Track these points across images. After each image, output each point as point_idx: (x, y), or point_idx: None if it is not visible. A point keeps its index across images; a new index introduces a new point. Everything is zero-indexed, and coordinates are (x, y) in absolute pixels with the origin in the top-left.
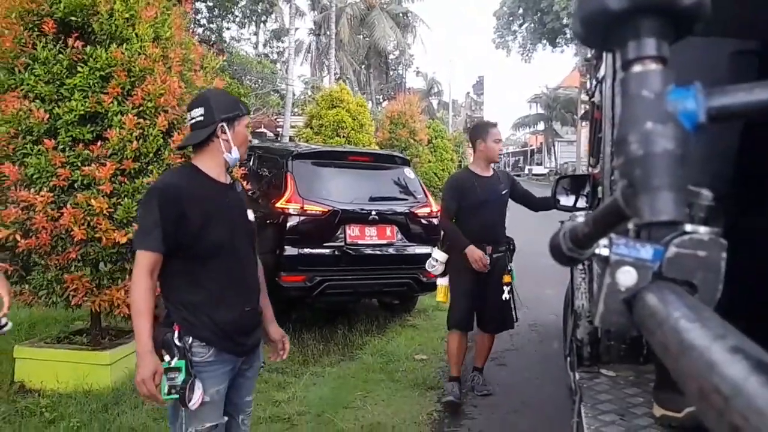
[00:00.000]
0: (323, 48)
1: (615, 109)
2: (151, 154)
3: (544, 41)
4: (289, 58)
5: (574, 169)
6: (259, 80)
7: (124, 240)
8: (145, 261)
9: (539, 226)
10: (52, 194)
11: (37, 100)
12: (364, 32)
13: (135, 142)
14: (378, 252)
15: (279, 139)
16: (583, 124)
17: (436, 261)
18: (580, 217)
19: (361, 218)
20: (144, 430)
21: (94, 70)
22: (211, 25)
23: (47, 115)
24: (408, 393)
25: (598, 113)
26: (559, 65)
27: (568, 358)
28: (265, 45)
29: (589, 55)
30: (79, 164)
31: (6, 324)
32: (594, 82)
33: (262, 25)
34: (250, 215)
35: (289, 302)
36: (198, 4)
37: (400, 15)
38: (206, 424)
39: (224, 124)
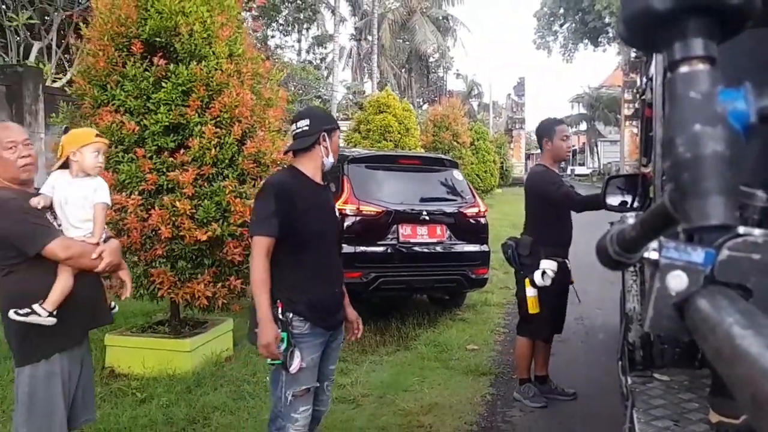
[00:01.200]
0: (364, 53)
1: (666, 107)
2: (226, 160)
3: (586, 41)
4: (333, 65)
5: (618, 169)
6: (303, 87)
7: (204, 238)
8: (262, 244)
9: (581, 222)
10: (141, 197)
11: (128, 114)
12: (404, 37)
13: (213, 150)
14: (429, 250)
15: None
16: (627, 123)
17: (551, 272)
18: (630, 219)
19: (412, 218)
20: (225, 408)
21: (176, 86)
22: (257, 34)
23: (137, 127)
24: (462, 378)
25: (648, 111)
26: (602, 64)
27: (620, 362)
28: (308, 51)
29: (634, 54)
30: (165, 170)
31: (114, 307)
32: (644, 80)
33: (304, 31)
34: (337, 213)
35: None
36: (243, 14)
37: (441, 19)
38: (302, 387)
39: (325, 134)
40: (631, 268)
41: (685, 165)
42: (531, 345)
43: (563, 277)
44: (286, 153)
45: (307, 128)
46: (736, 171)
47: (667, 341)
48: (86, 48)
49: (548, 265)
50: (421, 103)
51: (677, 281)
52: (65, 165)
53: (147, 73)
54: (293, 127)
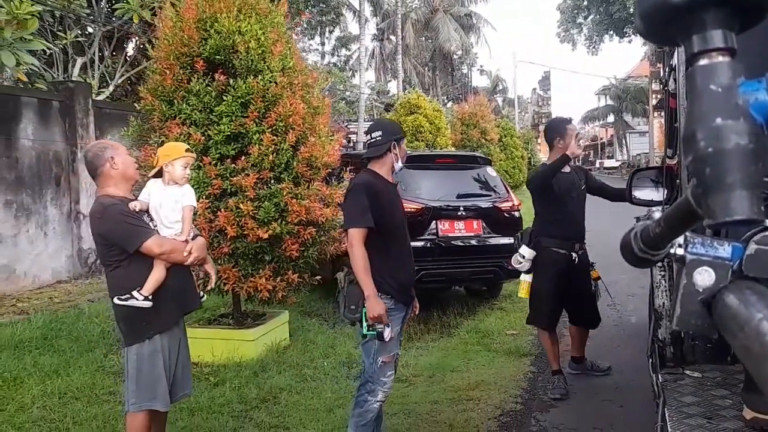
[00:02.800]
0: (388, 53)
1: (686, 100)
2: (282, 165)
3: (611, 32)
4: (360, 67)
5: (647, 161)
6: (328, 90)
7: (265, 236)
8: (359, 235)
9: (611, 211)
10: (208, 201)
11: (193, 126)
12: (427, 35)
13: (271, 156)
14: (467, 243)
15: (352, 145)
16: (656, 114)
17: (523, 258)
18: (657, 213)
19: (450, 214)
20: (290, 389)
21: (236, 98)
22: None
23: (202, 137)
24: (504, 359)
25: (673, 102)
26: (627, 55)
27: (650, 360)
28: (332, 54)
29: None
30: (228, 176)
31: (203, 296)
32: (668, 70)
33: (327, 34)
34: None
35: None
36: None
37: (464, 16)
38: (391, 353)
39: (395, 143)
40: (659, 264)
41: (707, 159)
42: (548, 335)
43: (562, 267)
44: (363, 158)
45: (380, 138)
46: (760, 164)
47: (698, 337)
48: (153, 67)
49: (524, 251)
50: (446, 101)
51: (704, 277)
52: (159, 173)
53: (209, 88)
54: (368, 137)
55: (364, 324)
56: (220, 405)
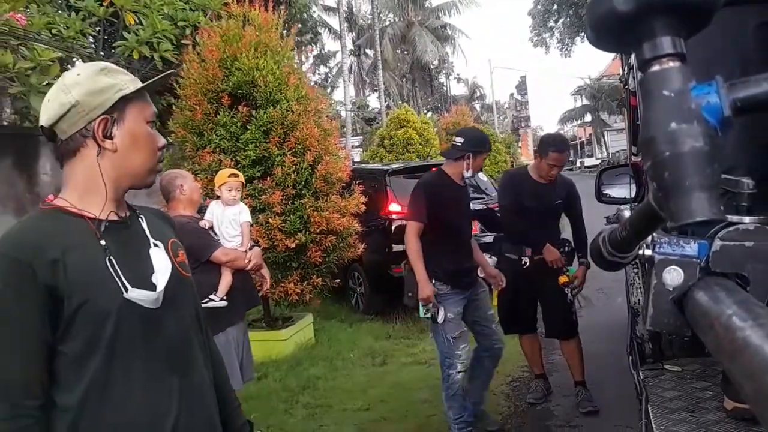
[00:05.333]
0: (366, 68)
1: (641, 106)
2: (303, 182)
3: (582, 34)
4: (344, 84)
5: (626, 158)
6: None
7: (293, 245)
8: (415, 229)
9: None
10: None
11: (223, 153)
12: (404, 47)
13: (292, 175)
14: None
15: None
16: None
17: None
18: (626, 212)
19: None
20: (325, 377)
21: (259, 127)
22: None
23: (231, 162)
24: (509, 338)
25: (634, 100)
26: (600, 55)
27: (630, 357)
28: (313, 72)
29: None
30: (257, 195)
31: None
32: (626, 69)
33: (308, 54)
34: (472, 206)
35: (398, 289)
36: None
37: (439, 28)
38: (458, 330)
39: (471, 154)
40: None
41: (665, 164)
42: (525, 341)
43: (516, 271)
44: (441, 154)
45: (459, 144)
46: (716, 165)
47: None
48: (182, 104)
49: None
50: (425, 112)
51: (674, 276)
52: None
53: (234, 119)
54: (454, 139)
55: (421, 308)
56: (268, 393)
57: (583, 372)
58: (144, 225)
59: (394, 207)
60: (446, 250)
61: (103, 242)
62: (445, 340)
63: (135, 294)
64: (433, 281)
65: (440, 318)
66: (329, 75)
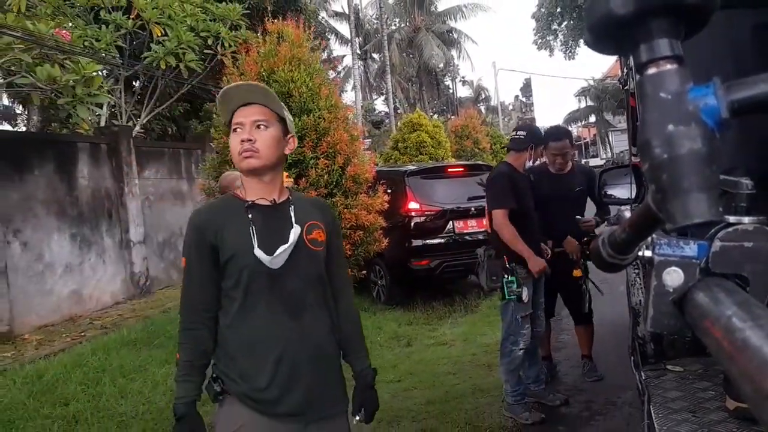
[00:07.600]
0: (374, 72)
1: (639, 109)
2: (334, 182)
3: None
4: (356, 90)
5: (630, 158)
6: None
7: None
8: (504, 213)
9: None
10: None
11: None
12: (410, 51)
13: (325, 176)
14: (479, 238)
15: None
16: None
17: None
18: (626, 212)
19: (463, 214)
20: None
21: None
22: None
23: None
24: None
25: (633, 101)
26: (604, 57)
27: (632, 358)
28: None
29: None
30: None
31: None
32: (626, 70)
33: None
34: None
35: (417, 281)
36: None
37: (445, 33)
38: (525, 312)
39: (534, 145)
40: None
41: (663, 166)
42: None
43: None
44: (503, 147)
45: (522, 137)
46: (714, 166)
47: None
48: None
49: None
50: (432, 114)
51: (673, 277)
52: None
53: None
54: (514, 132)
55: (505, 290)
56: None
57: (591, 348)
58: (291, 210)
59: (412, 205)
60: (525, 233)
61: (250, 216)
62: (513, 320)
63: (258, 254)
64: (514, 265)
65: (525, 297)
66: (337, 79)
